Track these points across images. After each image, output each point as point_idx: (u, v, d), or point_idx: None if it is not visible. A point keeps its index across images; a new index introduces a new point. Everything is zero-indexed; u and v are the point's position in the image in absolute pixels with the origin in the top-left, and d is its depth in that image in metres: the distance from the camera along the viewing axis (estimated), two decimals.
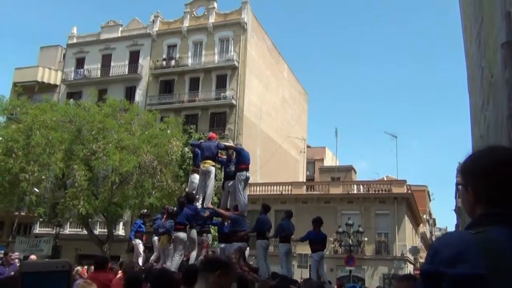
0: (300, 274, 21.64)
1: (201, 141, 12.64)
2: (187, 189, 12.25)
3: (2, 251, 22.86)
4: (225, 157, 11.83)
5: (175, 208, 10.25)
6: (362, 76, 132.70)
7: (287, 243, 11.39)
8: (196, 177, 11.42)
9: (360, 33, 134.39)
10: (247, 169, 10.86)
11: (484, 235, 1.45)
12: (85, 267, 13.60)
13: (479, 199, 1.59)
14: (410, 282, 3.82)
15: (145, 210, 14.12)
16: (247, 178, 10.93)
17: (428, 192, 57.74)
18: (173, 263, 9.72)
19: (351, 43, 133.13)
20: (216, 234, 12.75)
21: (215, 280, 2.79)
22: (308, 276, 19.50)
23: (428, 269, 1.49)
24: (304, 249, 13.46)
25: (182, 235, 9.99)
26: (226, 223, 11.12)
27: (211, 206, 11.30)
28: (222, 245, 10.99)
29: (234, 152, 11.23)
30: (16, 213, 32.70)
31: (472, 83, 11.09)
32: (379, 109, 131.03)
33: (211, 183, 11.17)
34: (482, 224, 1.51)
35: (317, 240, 11.56)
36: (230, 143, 15.86)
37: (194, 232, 10.22)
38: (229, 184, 11.34)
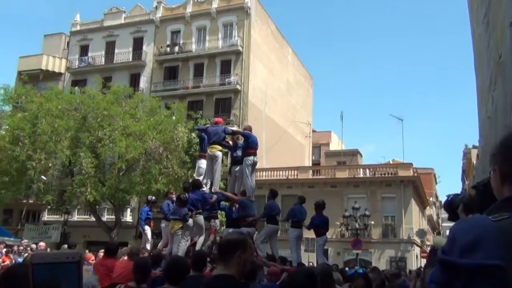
0: (307, 258, 21.69)
1: (207, 125, 12.58)
2: (194, 175, 12.22)
3: (12, 239, 23.12)
4: (231, 142, 11.80)
5: (186, 195, 10.26)
6: (367, 59, 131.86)
7: (299, 228, 11.41)
8: (203, 162, 11.38)
9: (365, 15, 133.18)
10: (254, 154, 10.80)
11: (505, 222, 1.37)
12: (93, 253, 13.69)
13: (505, 180, 1.51)
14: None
15: (153, 197, 14.13)
16: (255, 163, 10.88)
17: (435, 174, 57.66)
18: (180, 248, 9.77)
19: (356, 26, 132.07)
20: (224, 219, 12.78)
21: (237, 261, 2.78)
22: (315, 260, 19.58)
23: (445, 259, 1.43)
24: (311, 233, 13.48)
25: (190, 221, 10.06)
26: (234, 208, 11.13)
27: (219, 191, 11.29)
28: (230, 230, 11.03)
29: (242, 137, 11.16)
30: (25, 201, 32.95)
31: (479, 63, 10.98)
32: (385, 92, 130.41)
33: (219, 167, 11.14)
34: (504, 208, 1.42)
35: (322, 224, 11.57)
36: (236, 128, 15.77)
37: (201, 218, 10.23)
38: (236, 169, 11.33)
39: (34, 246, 15.81)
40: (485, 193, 2.13)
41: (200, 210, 10.15)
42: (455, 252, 1.39)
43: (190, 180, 13.09)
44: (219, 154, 11.02)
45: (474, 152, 24.76)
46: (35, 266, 1.58)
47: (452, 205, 3.19)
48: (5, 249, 15.68)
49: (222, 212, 12.49)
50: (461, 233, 1.42)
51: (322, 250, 11.74)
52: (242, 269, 2.83)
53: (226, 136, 11.45)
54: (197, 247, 9.95)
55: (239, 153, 11.13)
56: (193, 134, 25.60)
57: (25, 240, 22.61)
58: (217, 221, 11.47)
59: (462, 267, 1.35)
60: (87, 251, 12.78)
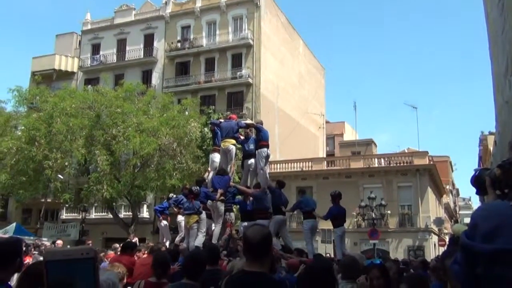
0: (324, 249, 21.67)
1: (221, 120, 12.64)
2: (208, 168, 12.31)
3: (32, 238, 23.45)
4: (242, 137, 11.83)
5: (198, 188, 10.32)
6: (380, 48, 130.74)
7: (312, 219, 11.36)
8: (216, 156, 11.46)
9: (376, 2, 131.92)
10: (267, 146, 10.86)
11: None
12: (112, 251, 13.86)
13: None
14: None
15: (175, 196, 14.33)
16: (268, 155, 10.94)
17: (451, 162, 57.04)
18: (196, 241, 9.86)
19: (367, 15, 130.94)
20: (238, 213, 12.83)
21: (271, 257, 2.83)
22: (332, 251, 19.54)
23: (467, 244, 1.43)
24: (327, 224, 13.42)
25: (204, 215, 10.18)
26: (248, 201, 11.15)
27: (233, 184, 11.34)
28: (245, 223, 11.05)
29: (254, 130, 11.20)
30: (43, 200, 33.34)
31: (494, 47, 10.79)
32: (398, 80, 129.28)
33: (233, 161, 11.26)
34: None
35: (339, 215, 11.50)
36: (250, 121, 15.84)
37: (221, 206, 10.34)
38: (249, 162, 11.36)
39: (47, 243, 16.00)
40: (511, 172, 2.10)
41: (222, 197, 10.28)
42: (476, 239, 1.39)
43: (204, 174, 13.20)
44: (233, 147, 11.10)
45: (491, 139, 24.39)
46: (48, 264, 1.54)
47: (479, 180, 3.14)
48: (24, 248, 15.92)
49: (237, 206, 12.53)
50: (482, 220, 1.42)
51: (340, 241, 11.64)
52: (271, 263, 2.83)
53: (240, 129, 11.51)
54: (213, 240, 10.01)
55: (251, 146, 11.18)
56: (206, 129, 25.67)
57: (44, 239, 22.91)
58: (232, 214, 11.51)
59: (483, 252, 1.35)
60: (108, 249, 12.99)
